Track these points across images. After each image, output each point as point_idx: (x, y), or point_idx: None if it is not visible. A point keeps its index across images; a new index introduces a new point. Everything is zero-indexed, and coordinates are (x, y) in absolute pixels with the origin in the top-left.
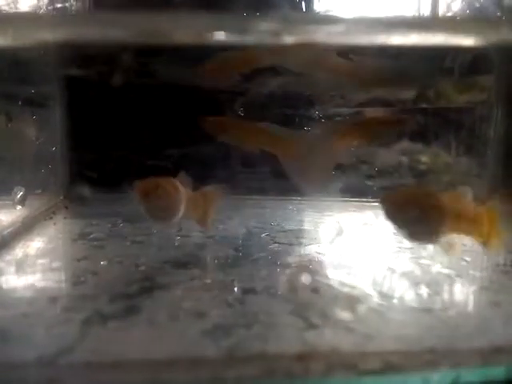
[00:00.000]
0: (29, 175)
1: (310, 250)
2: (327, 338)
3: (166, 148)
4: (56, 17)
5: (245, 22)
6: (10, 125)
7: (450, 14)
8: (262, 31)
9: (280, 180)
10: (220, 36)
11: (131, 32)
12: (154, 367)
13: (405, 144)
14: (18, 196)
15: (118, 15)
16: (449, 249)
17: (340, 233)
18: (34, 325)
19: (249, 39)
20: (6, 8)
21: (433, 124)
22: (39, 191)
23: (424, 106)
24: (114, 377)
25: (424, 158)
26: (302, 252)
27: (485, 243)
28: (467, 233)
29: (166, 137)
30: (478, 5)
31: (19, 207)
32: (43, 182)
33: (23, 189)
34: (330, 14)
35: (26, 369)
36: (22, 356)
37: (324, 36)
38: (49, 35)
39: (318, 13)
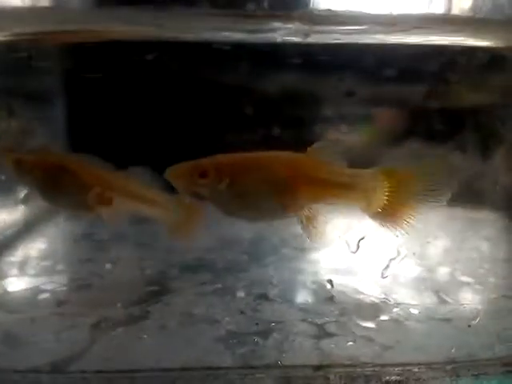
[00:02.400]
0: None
1: (322, 255)
2: (344, 347)
3: (171, 145)
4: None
5: (273, 21)
6: (12, 121)
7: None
8: (292, 31)
9: None
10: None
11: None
12: (167, 377)
13: (414, 145)
14: (21, 195)
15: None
16: (308, 223)
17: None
18: (42, 330)
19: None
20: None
21: (443, 124)
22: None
23: (435, 105)
24: None
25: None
26: (313, 257)
27: (367, 209)
28: (341, 199)
29: (171, 133)
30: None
31: (22, 207)
32: None
33: (26, 188)
34: (355, 13)
35: (36, 375)
36: (31, 362)
37: (347, 36)
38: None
39: (344, 12)
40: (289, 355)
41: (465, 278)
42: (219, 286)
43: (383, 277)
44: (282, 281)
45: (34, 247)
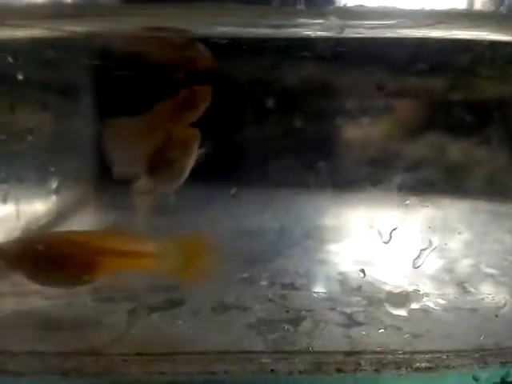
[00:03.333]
0: (62, 164)
1: (344, 246)
2: (373, 335)
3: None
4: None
5: (307, 17)
6: (44, 114)
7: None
8: (325, 27)
9: (312, 172)
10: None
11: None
12: (205, 360)
13: (434, 137)
14: (53, 185)
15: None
16: None
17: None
18: (80, 315)
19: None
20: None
21: (468, 117)
22: (71, 181)
23: (457, 97)
24: (166, 368)
25: (455, 153)
26: (338, 248)
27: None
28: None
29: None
30: None
31: (54, 197)
32: (75, 171)
33: (58, 178)
34: (386, 8)
35: (78, 358)
36: (71, 346)
37: (376, 30)
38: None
39: (374, 7)
40: (319, 342)
41: (489, 270)
42: (246, 275)
43: (415, 267)
44: (307, 271)
45: None
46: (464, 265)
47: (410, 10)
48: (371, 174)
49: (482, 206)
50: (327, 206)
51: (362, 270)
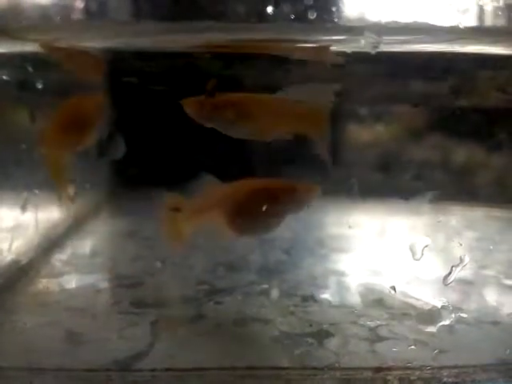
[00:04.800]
0: (77, 172)
1: (360, 256)
2: (398, 350)
3: (211, 143)
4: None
5: (343, 34)
6: None
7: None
8: (361, 44)
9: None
10: None
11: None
12: (234, 375)
13: (437, 138)
14: (70, 194)
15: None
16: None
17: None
18: (103, 328)
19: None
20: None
21: (469, 118)
22: (85, 187)
23: (460, 102)
24: None
25: (458, 155)
26: (352, 259)
27: None
28: None
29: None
30: None
31: (70, 204)
32: (89, 178)
33: (74, 186)
34: (420, 24)
35: (107, 373)
36: (96, 361)
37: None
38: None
39: (410, 23)
40: (345, 357)
41: (508, 282)
42: (265, 286)
43: (446, 284)
44: (326, 282)
45: (84, 245)
46: (483, 276)
47: (441, 26)
48: (384, 181)
49: (496, 213)
50: (340, 215)
51: (393, 288)
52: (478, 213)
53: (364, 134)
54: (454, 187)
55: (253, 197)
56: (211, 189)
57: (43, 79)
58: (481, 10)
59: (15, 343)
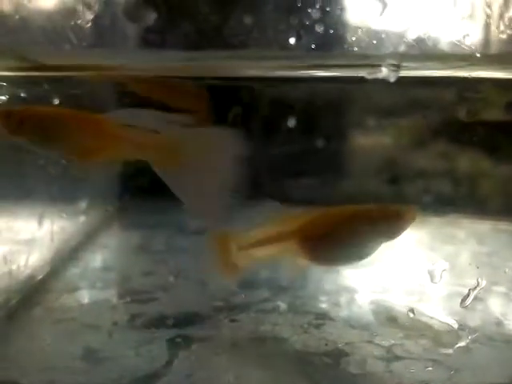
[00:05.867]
0: (89, 186)
1: (374, 273)
2: (414, 370)
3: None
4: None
5: (364, 61)
6: None
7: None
8: (381, 71)
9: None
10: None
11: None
12: None
13: (442, 146)
14: (82, 206)
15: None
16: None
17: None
18: (120, 344)
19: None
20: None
21: (474, 126)
22: (97, 201)
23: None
24: None
25: (463, 163)
26: (366, 275)
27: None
28: None
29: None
30: None
31: (83, 217)
32: (98, 191)
33: (86, 199)
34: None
35: None
36: (116, 379)
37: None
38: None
39: (432, 48)
40: (362, 378)
41: None
42: (278, 303)
43: (464, 306)
44: (339, 299)
45: (96, 258)
46: (494, 293)
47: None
48: (393, 193)
49: (503, 226)
50: None
51: (412, 310)
52: (485, 226)
53: (371, 145)
54: (461, 200)
55: (346, 223)
56: (278, 216)
57: (59, 95)
58: (493, 36)
59: (34, 360)
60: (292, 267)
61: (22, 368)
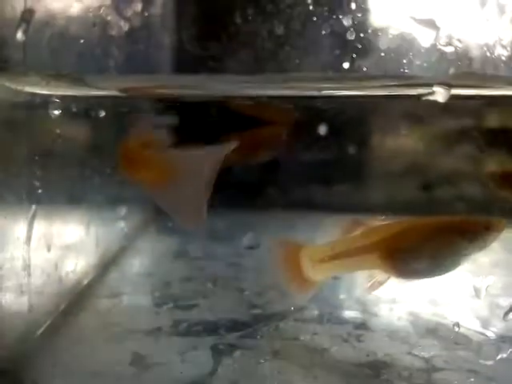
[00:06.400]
0: (128, 193)
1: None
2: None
3: None
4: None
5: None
6: None
7: None
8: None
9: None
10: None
11: None
12: None
13: (467, 148)
14: (122, 212)
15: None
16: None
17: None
18: (166, 350)
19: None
20: None
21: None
22: (135, 207)
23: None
24: None
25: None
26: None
27: None
28: None
29: None
30: None
31: (122, 223)
32: (136, 197)
33: (126, 206)
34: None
35: None
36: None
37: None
38: None
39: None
40: None
41: None
42: (316, 312)
43: (507, 320)
44: (376, 309)
45: (135, 264)
46: None
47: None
48: (427, 202)
49: None
50: None
51: (457, 324)
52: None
53: (403, 155)
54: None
55: (435, 235)
56: (355, 229)
57: (102, 108)
58: None
59: (83, 366)
60: (370, 281)
61: (70, 373)
